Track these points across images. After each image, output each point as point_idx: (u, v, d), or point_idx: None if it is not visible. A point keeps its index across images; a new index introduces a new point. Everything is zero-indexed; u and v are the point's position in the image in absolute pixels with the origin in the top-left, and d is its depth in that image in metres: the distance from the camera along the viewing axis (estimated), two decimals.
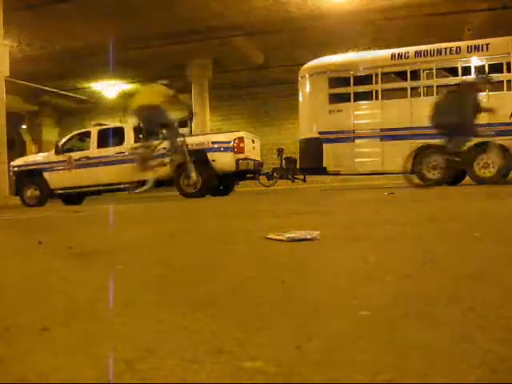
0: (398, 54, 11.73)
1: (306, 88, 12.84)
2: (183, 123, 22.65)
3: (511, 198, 5.52)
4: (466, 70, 11.11)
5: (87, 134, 13.06)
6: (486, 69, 10.90)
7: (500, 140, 10.41)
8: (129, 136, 12.56)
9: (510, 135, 10.35)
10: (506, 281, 1.34)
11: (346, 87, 12.13)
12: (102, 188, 12.87)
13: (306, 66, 13.00)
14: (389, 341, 0.90)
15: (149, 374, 0.79)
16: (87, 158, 12.69)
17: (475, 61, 11.06)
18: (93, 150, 12.74)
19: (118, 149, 12.51)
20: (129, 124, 13.29)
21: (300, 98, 13.14)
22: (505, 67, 10.71)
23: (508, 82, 10.67)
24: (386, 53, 12.11)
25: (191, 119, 17.82)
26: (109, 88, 24.00)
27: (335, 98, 12.30)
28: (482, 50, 10.97)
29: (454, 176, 10.91)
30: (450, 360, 0.78)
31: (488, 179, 9.95)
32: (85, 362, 0.87)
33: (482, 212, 3.75)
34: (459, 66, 11.14)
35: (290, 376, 0.76)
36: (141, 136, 12.67)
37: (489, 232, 2.39)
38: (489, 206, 4.37)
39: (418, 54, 11.55)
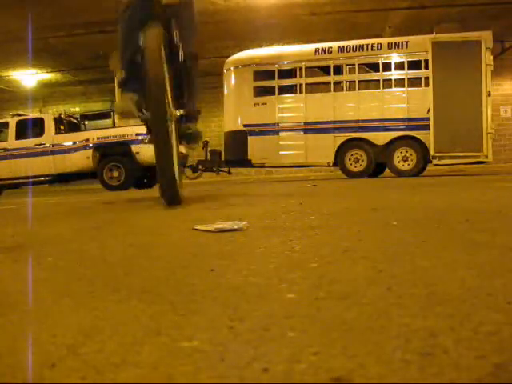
0: (322, 48, 12.00)
1: (231, 81, 12.91)
2: (105, 115, 22.21)
3: (425, 189, 5.80)
4: (387, 66, 11.56)
5: (5, 125, 12.62)
6: (405, 65, 11.38)
7: (418, 134, 11.04)
8: (49, 127, 12.23)
9: (427, 130, 10.87)
10: (418, 263, 1.46)
11: (270, 80, 12.30)
12: (21, 181, 12.49)
13: (231, 58, 13.07)
14: (314, 320, 0.97)
15: (91, 357, 0.83)
16: (5, 149, 12.27)
17: (395, 57, 11.50)
18: (11, 142, 12.34)
19: (37, 140, 12.18)
20: (49, 115, 12.95)
21: (225, 91, 13.19)
22: (423, 64, 11.22)
23: (426, 78, 11.17)
24: (310, 47, 12.36)
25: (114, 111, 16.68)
26: (28, 77, 23.17)
27: (260, 91, 12.45)
28: (402, 47, 11.42)
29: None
30: (369, 334, 0.87)
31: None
32: (26, 348, 0.89)
33: (401, 202, 3.94)
34: (380, 61, 11.55)
35: (225, 352, 0.82)
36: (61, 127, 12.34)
37: (406, 220, 2.53)
38: (407, 197, 4.58)
39: (340, 49, 11.87)
